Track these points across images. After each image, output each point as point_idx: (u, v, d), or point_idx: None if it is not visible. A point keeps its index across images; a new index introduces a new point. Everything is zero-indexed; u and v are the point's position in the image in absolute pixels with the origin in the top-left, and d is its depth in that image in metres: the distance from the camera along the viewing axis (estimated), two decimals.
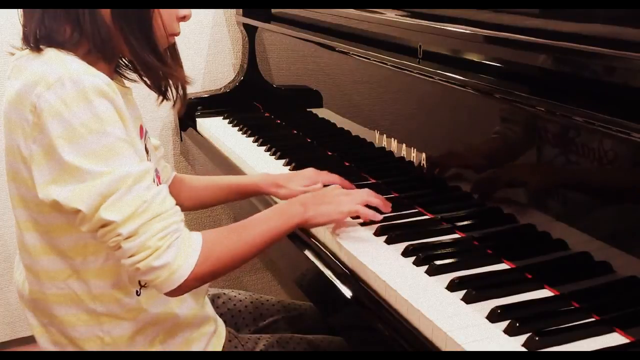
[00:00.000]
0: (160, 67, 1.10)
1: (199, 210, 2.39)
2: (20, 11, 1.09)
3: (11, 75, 1.08)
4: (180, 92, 1.15)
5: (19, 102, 1.01)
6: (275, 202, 1.51)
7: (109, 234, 0.99)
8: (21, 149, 1.02)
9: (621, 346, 0.92)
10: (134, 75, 1.18)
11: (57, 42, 1.04)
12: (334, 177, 1.41)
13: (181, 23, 1.13)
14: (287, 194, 1.38)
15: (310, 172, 1.44)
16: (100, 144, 0.98)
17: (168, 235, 1.00)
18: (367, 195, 1.27)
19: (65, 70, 0.99)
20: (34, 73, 1.01)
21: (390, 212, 1.30)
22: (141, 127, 1.17)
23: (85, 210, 0.98)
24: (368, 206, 1.26)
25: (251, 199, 1.56)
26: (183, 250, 1.02)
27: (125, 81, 1.18)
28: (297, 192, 1.36)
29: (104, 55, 1.08)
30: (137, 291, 1.13)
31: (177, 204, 1.41)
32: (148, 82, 1.13)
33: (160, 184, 1.20)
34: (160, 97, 1.16)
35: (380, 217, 1.26)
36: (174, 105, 1.17)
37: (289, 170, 1.64)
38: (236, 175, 1.67)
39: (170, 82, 1.14)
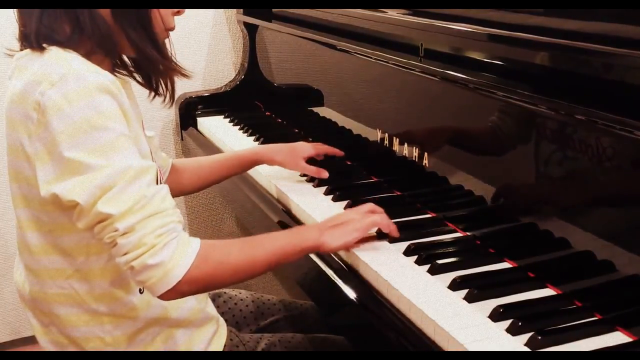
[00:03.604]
0: (161, 61, 1.11)
1: (200, 210, 2.39)
2: (16, 11, 1.08)
3: (13, 75, 1.08)
4: (169, 87, 1.15)
5: (22, 101, 1.01)
6: (277, 200, 1.52)
7: (106, 229, 0.98)
8: (25, 147, 1.02)
9: (624, 345, 0.91)
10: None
11: (58, 41, 1.04)
12: (330, 149, 1.58)
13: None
14: (289, 163, 1.51)
15: (303, 143, 1.56)
16: (102, 140, 0.97)
17: (165, 234, 0.98)
18: (379, 217, 1.22)
19: (68, 69, 0.99)
20: (36, 72, 1.01)
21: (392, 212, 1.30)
22: (142, 122, 1.17)
23: (82, 202, 0.97)
24: None
25: (255, 200, 1.56)
26: (179, 249, 0.99)
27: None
28: (300, 166, 1.51)
29: (105, 52, 1.08)
30: (140, 289, 1.12)
31: (180, 190, 1.42)
32: (140, 79, 1.16)
33: (162, 179, 1.20)
34: (152, 93, 1.17)
35: (396, 233, 1.22)
36: (163, 100, 1.17)
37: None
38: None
39: (161, 77, 1.14)
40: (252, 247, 1.08)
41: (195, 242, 1.02)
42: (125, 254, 0.98)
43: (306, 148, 1.54)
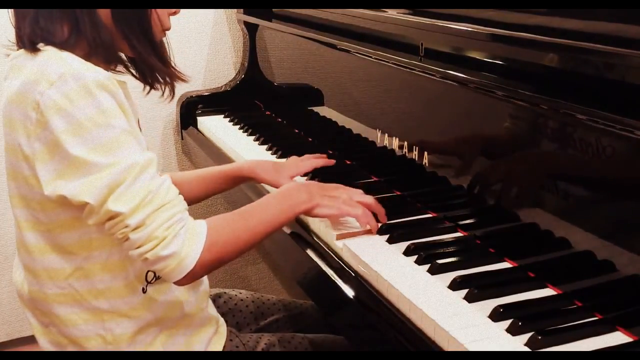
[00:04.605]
0: (161, 67, 1.12)
1: (201, 211, 2.39)
2: (10, 12, 1.08)
3: (9, 75, 1.08)
4: (169, 85, 1.16)
5: (20, 101, 1.01)
6: None
7: (117, 225, 1.00)
8: (23, 147, 1.02)
9: (624, 345, 0.91)
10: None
11: (54, 43, 1.04)
12: (318, 162, 1.51)
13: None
14: (271, 181, 1.41)
15: (293, 160, 1.51)
16: (106, 137, 0.99)
17: (174, 225, 1.01)
18: (369, 199, 1.25)
19: (66, 68, 0.99)
20: (34, 71, 1.01)
21: (392, 212, 1.30)
22: (138, 122, 1.17)
23: (93, 202, 0.99)
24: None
25: (251, 195, 1.56)
26: (189, 238, 1.03)
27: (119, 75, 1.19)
28: (281, 183, 1.38)
29: (104, 58, 1.08)
30: (143, 288, 1.13)
31: None
32: (136, 73, 1.16)
33: None
34: (148, 87, 1.17)
35: (376, 226, 1.23)
36: (162, 95, 1.17)
37: None
38: None
39: (160, 81, 1.15)
40: (252, 219, 1.12)
41: (202, 228, 1.05)
42: (138, 247, 1.01)
43: (293, 168, 1.47)
